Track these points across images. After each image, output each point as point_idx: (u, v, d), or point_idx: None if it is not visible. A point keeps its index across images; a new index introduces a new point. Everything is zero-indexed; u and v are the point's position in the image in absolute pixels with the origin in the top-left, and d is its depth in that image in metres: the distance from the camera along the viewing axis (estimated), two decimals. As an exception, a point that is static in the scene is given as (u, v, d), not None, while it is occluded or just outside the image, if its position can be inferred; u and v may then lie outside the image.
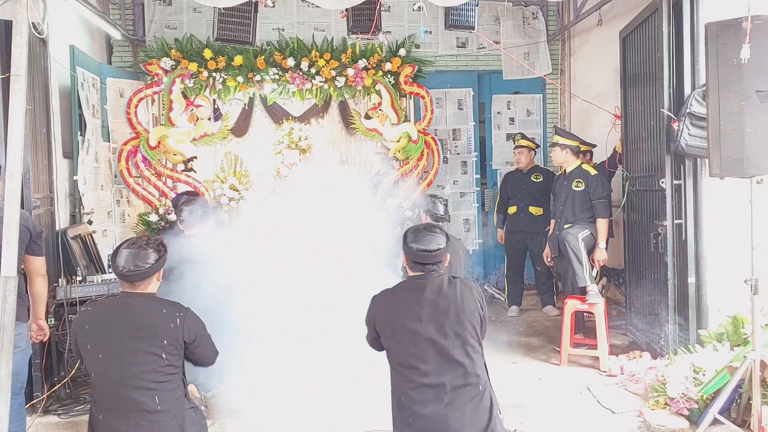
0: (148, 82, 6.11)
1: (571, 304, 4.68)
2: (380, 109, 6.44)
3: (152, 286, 2.44)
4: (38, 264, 3.07)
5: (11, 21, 2.40)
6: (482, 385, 2.41)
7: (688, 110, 4.01)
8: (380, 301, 2.52)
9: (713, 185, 4.03)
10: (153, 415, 2.30)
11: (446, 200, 4.44)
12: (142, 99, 6.05)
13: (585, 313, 4.95)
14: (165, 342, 2.34)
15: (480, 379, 2.40)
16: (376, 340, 2.55)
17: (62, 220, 4.67)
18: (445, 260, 2.50)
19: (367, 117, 6.51)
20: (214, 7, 4.65)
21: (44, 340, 3.37)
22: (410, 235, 2.49)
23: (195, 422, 2.47)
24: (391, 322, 2.45)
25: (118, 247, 2.41)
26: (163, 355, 2.34)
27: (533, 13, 7.13)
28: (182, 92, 6.11)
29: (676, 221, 4.22)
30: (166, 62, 6.04)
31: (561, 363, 4.61)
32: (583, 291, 4.69)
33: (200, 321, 2.50)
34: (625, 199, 4.99)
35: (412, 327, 2.38)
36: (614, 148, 5.50)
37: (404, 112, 6.49)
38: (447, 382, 2.35)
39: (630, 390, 4.04)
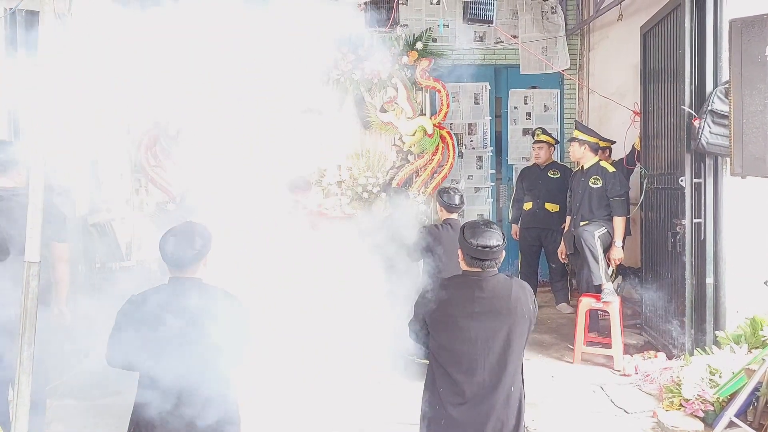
0: (167, 72, 6.14)
1: (586, 302, 4.65)
2: (396, 103, 6.43)
3: (200, 271, 2.45)
4: (61, 250, 3.12)
5: (37, 11, 2.44)
6: (516, 388, 2.43)
7: (709, 108, 3.95)
8: (433, 293, 2.51)
9: (734, 184, 3.98)
10: (201, 402, 2.35)
11: (461, 192, 4.42)
12: (161, 89, 6.09)
13: (599, 312, 4.92)
14: (215, 330, 2.37)
15: (516, 382, 2.43)
16: (421, 331, 2.55)
17: (82, 207, 4.73)
18: (501, 257, 2.49)
19: (383, 110, 6.50)
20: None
21: (66, 325, 3.43)
22: (468, 231, 2.44)
23: (235, 408, 2.52)
24: (442, 316, 2.45)
25: (165, 234, 2.42)
26: (215, 336, 2.37)
27: (552, 8, 7.06)
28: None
29: (695, 220, 4.17)
30: (184, 54, 6.08)
31: (574, 361, 4.59)
32: (599, 289, 4.67)
33: (245, 315, 2.49)
34: (643, 196, 4.94)
35: (462, 324, 2.39)
36: (633, 145, 5.44)
37: (420, 106, 6.47)
38: (485, 382, 2.38)
39: (644, 390, 4.02)
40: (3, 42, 3.61)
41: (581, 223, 4.90)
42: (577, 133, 5.07)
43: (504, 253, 2.54)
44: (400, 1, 5.44)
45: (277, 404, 3.54)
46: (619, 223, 4.80)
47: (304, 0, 6.23)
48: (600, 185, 4.86)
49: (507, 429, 2.39)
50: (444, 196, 4.28)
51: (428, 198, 6.13)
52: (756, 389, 3.27)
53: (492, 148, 7.15)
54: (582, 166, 5.07)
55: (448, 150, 6.44)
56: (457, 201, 4.24)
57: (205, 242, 2.47)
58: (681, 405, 3.58)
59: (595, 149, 5.02)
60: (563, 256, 5.37)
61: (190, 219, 2.71)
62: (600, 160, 5.05)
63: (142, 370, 2.40)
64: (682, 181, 4.20)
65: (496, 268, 2.46)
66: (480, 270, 2.43)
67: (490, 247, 2.39)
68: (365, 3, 5.09)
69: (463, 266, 2.50)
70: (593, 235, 4.72)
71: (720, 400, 3.45)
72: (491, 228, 2.46)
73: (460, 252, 2.50)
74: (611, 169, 4.93)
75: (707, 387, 3.56)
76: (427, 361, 3.04)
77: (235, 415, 2.53)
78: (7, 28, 3.53)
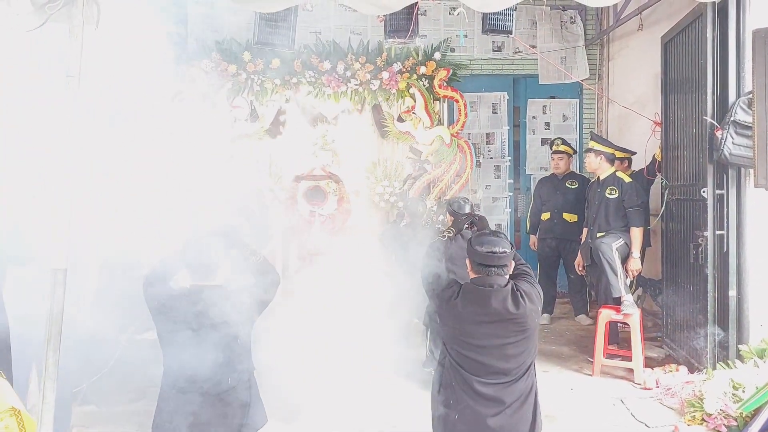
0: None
1: (606, 314, 4.60)
2: (414, 113, 6.45)
3: (220, 277, 2.51)
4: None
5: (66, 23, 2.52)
6: (529, 395, 2.46)
7: (732, 118, 3.91)
8: (442, 301, 2.53)
9: (758, 196, 3.93)
10: (224, 393, 2.41)
11: (470, 201, 4.45)
12: (183, 99, 6.19)
13: (619, 324, 4.86)
14: (240, 327, 2.46)
15: (529, 389, 2.46)
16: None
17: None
18: (510, 266, 2.50)
19: (400, 120, 6.53)
20: (256, 12, 4.72)
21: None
22: (475, 239, 2.50)
23: (257, 392, 2.59)
24: (451, 326, 2.49)
25: (187, 241, 2.48)
26: (238, 340, 2.46)
27: (571, 18, 7.05)
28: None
29: (717, 232, 4.12)
30: (207, 64, 6.17)
31: (593, 374, 4.54)
32: (618, 301, 4.62)
33: (253, 288, 2.54)
34: (664, 207, 4.89)
35: (470, 331, 2.42)
36: (653, 155, 5.39)
37: (438, 116, 6.48)
38: (497, 390, 2.40)
39: (665, 404, 3.96)
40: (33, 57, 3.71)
41: (598, 235, 4.87)
42: (593, 144, 5.05)
43: (513, 263, 2.54)
44: (419, 13, 5.47)
45: (281, 404, 3.57)
46: (636, 233, 4.75)
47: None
48: (616, 196, 4.83)
49: (524, 428, 2.43)
50: (454, 205, 4.32)
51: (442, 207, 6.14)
52: (781, 405, 3.21)
53: (510, 158, 7.14)
54: (598, 177, 5.04)
55: (466, 160, 6.44)
56: (466, 210, 4.26)
57: (227, 248, 2.51)
58: (703, 420, 3.53)
59: (611, 160, 4.99)
60: (580, 268, 5.33)
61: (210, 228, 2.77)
62: (616, 170, 5.01)
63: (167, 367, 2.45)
64: (704, 192, 4.15)
65: (505, 277, 2.47)
66: (483, 276, 2.43)
67: (496, 252, 2.43)
68: (384, 14, 5.13)
69: (471, 275, 2.52)
70: (611, 247, 4.68)
71: (743, 416, 3.39)
72: (498, 236, 2.51)
73: (468, 262, 2.53)
74: (628, 179, 4.89)
75: (730, 402, 3.50)
76: (431, 370, 3.04)
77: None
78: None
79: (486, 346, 2.40)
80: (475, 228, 3.13)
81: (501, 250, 2.43)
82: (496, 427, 2.38)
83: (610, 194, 4.86)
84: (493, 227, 7.03)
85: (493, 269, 2.43)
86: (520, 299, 2.40)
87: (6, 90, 3.74)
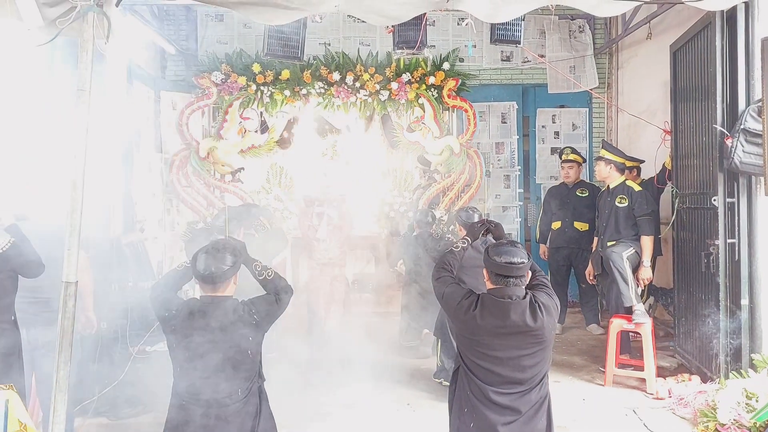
0: (200, 95, 6.32)
1: (617, 324, 4.57)
2: (423, 123, 6.48)
3: (230, 288, 2.52)
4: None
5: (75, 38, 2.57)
6: (543, 404, 2.46)
7: (742, 126, 3.88)
8: (459, 312, 2.49)
9: (769, 204, 3.90)
10: (234, 405, 2.42)
11: (479, 210, 4.46)
12: (194, 111, 6.27)
13: (631, 333, 4.82)
14: (250, 339, 2.46)
15: (543, 398, 2.46)
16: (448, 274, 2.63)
17: (116, 228, 4.87)
18: (527, 276, 2.49)
19: (410, 130, 6.56)
20: (265, 24, 4.78)
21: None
22: (492, 249, 2.48)
23: (267, 404, 2.60)
24: (468, 337, 2.47)
25: (198, 252, 2.50)
26: (249, 352, 2.46)
27: (580, 27, 7.05)
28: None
29: (728, 240, 4.08)
30: (217, 76, 6.25)
31: (605, 384, 4.50)
32: (629, 310, 4.58)
33: (264, 299, 2.58)
34: (674, 216, 4.85)
35: (487, 342, 2.40)
36: (663, 164, 5.36)
37: (447, 126, 6.50)
38: (512, 399, 2.41)
39: (678, 414, 3.91)
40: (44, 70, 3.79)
41: (608, 244, 4.84)
42: (603, 153, 5.03)
43: (530, 273, 2.53)
44: (428, 23, 5.50)
45: (290, 415, 3.58)
46: (646, 242, 4.71)
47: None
48: (626, 204, 4.80)
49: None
50: (463, 215, 4.33)
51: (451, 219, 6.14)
52: (795, 416, 3.16)
53: (520, 167, 7.13)
54: (608, 186, 5.02)
55: (476, 169, 6.45)
56: (475, 219, 4.26)
57: (237, 259, 2.53)
58: (716, 430, 3.48)
59: (621, 169, 4.97)
60: (591, 277, 5.30)
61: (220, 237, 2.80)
62: (626, 179, 4.99)
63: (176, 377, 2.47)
64: (714, 200, 4.12)
65: (522, 287, 2.45)
66: (502, 287, 2.42)
67: (514, 263, 2.40)
68: (393, 25, 5.17)
69: (489, 285, 2.49)
70: (622, 257, 4.64)
71: (757, 425, 3.34)
72: (516, 246, 2.49)
73: (485, 272, 2.51)
74: (637, 187, 4.87)
75: (743, 411, 3.45)
76: (442, 380, 2.98)
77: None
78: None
79: (502, 357, 2.38)
80: (491, 235, 3.12)
81: (519, 260, 2.41)
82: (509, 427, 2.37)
83: (620, 203, 4.84)
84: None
85: (512, 280, 2.41)
86: (539, 312, 2.38)
87: (20, 105, 3.82)
